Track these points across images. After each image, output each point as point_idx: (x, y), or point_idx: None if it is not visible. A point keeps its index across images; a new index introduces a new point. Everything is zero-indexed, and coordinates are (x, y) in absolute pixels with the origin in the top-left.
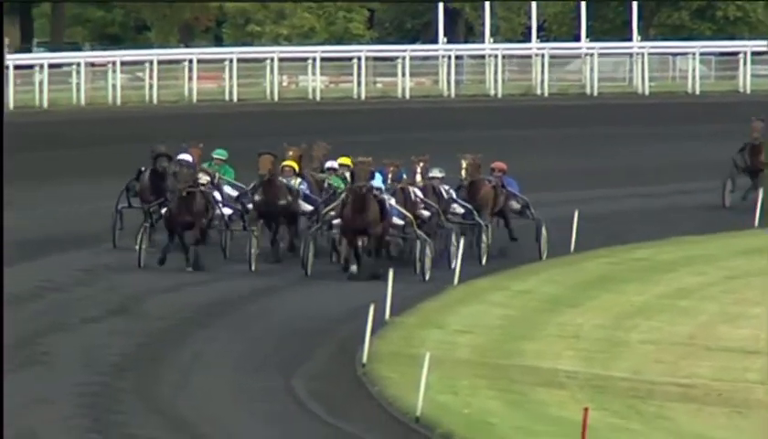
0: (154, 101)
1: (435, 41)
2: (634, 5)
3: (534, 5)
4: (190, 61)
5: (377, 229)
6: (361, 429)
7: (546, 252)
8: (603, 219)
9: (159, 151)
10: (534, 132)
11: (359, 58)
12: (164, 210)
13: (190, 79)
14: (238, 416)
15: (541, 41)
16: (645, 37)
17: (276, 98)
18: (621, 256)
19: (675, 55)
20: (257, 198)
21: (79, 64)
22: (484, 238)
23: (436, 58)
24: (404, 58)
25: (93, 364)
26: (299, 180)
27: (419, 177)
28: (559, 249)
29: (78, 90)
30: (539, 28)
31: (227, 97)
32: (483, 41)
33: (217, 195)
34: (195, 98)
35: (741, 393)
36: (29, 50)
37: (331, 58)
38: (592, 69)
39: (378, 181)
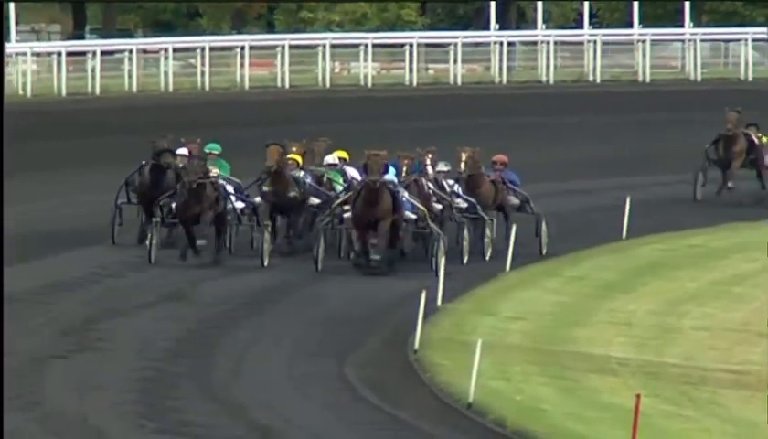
0: (206, 87)
1: (487, 28)
2: None
3: None
4: (242, 48)
5: (387, 221)
6: (413, 415)
7: (546, 248)
8: (656, 206)
9: (161, 147)
10: (586, 118)
11: (411, 45)
12: (174, 204)
13: (242, 65)
14: (291, 402)
15: (593, 28)
16: (697, 23)
17: (328, 85)
18: (673, 242)
19: (727, 41)
20: (265, 189)
21: (131, 51)
22: (488, 232)
23: (488, 44)
24: (456, 44)
25: (147, 350)
26: (303, 173)
27: (430, 170)
28: (611, 235)
29: (130, 76)
30: (592, 15)
31: (279, 84)
32: (535, 28)
33: (229, 188)
34: (247, 85)
35: None
36: (82, 37)
37: (383, 45)
38: (644, 56)
39: (391, 174)
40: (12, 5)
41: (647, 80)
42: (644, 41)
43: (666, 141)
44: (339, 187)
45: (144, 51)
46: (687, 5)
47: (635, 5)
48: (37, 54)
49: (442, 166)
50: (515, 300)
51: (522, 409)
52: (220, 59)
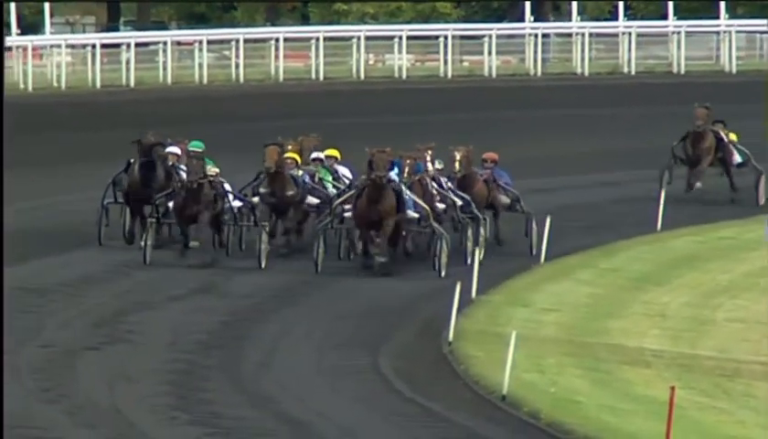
0: (241, 79)
1: (522, 19)
2: None
3: None
4: (276, 40)
5: (390, 220)
6: (447, 407)
7: (536, 248)
8: (690, 198)
9: (151, 141)
10: (621, 110)
11: (446, 37)
12: (172, 204)
13: (277, 57)
14: (323, 394)
15: (628, 19)
16: (732, 15)
17: (362, 76)
18: (707, 235)
19: (762, 33)
20: (262, 190)
21: (165, 43)
22: (482, 231)
23: (523, 36)
24: (491, 36)
25: (178, 342)
26: (301, 172)
27: (430, 167)
28: (645, 227)
29: (164, 68)
30: (626, 7)
31: (313, 76)
32: (569, 19)
33: (227, 186)
34: (281, 77)
35: None
36: (116, 29)
37: (417, 37)
38: (679, 48)
39: (393, 173)
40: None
41: (682, 71)
42: (678, 33)
43: None
44: (329, 185)
45: (179, 43)
46: None
47: None
48: (72, 46)
49: (436, 164)
50: (549, 292)
51: (556, 401)
52: (255, 51)
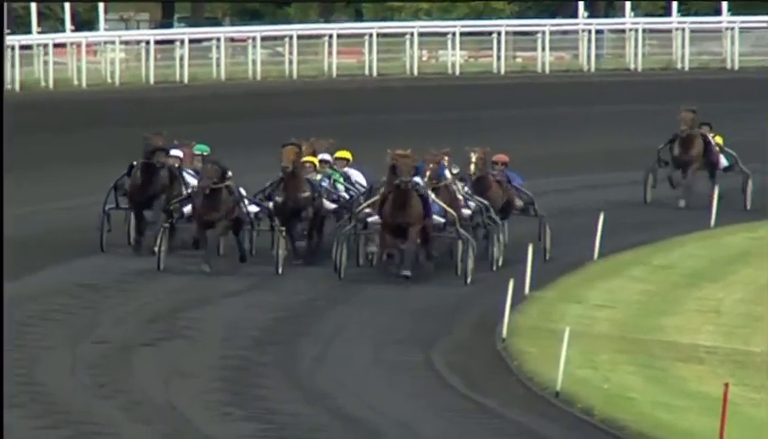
0: (294, 76)
1: (575, 15)
2: None
3: None
4: (330, 36)
5: (418, 227)
6: (500, 403)
7: (550, 253)
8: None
9: (155, 145)
10: (674, 106)
11: (499, 33)
12: (186, 209)
13: (330, 54)
14: (378, 390)
15: (682, 15)
16: None
17: (416, 73)
18: (762, 231)
19: None
20: (277, 198)
21: (219, 39)
22: (500, 237)
23: (576, 32)
24: (544, 32)
25: (233, 338)
26: (320, 176)
27: (448, 173)
28: (699, 223)
29: (218, 65)
30: (680, 2)
31: (366, 72)
32: (623, 15)
33: (243, 191)
34: (334, 73)
35: None
36: (170, 25)
37: (471, 33)
38: (732, 43)
39: (417, 178)
40: None
41: (736, 67)
42: (732, 29)
43: (754, 129)
44: (341, 187)
45: (232, 39)
46: None
47: None
48: (126, 42)
49: (453, 170)
50: (602, 288)
51: (610, 397)
52: (308, 48)
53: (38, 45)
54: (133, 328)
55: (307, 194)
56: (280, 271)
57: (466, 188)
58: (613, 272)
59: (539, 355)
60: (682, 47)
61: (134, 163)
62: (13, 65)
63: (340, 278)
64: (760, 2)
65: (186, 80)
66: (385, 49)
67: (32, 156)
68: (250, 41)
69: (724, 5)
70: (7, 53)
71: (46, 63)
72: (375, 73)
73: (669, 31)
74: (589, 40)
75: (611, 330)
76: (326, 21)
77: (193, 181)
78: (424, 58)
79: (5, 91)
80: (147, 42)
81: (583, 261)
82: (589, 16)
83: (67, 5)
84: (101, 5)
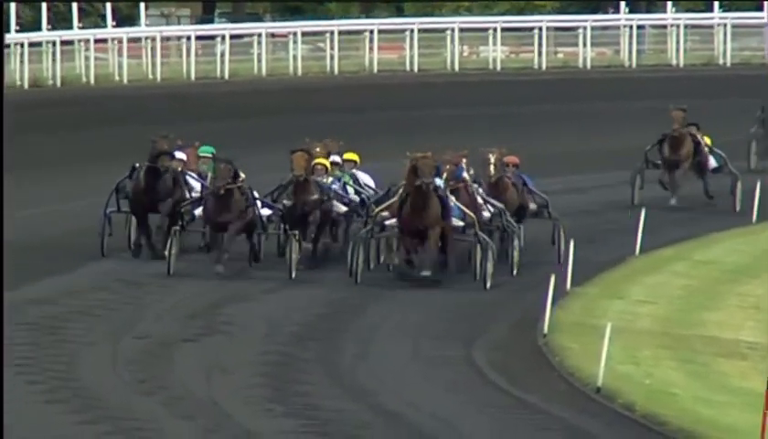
0: (335, 71)
1: (617, 11)
2: None
3: None
4: (371, 32)
5: (437, 230)
6: (542, 399)
7: (563, 257)
8: None
9: (161, 148)
10: (716, 102)
11: (540, 29)
12: (197, 211)
13: (371, 49)
14: (418, 385)
15: (723, 11)
16: None
17: (457, 68)
18: None
19: None
20: (286, 202)
21: (260, 35)
22: (516, 242)
23: (617, 27)
24: (585, 28)
25: (273, 334)
26: (331, 179)
27: (466, 175)
28: (741, 219)
29: (259, 60)
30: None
31: (407, 67)
32: (665, 11)
33: (255, 193)
34: (375, 68)
35: None
36: (211, 21)
37: (512, 29)
38: None
39: (438, 180)
40: None
41: None
42: None
43: None
44: (351, 190)
45: (273, 35)
46: None
47: None
48: (167, 38)
49: (471, 172)
50: (643, 284)
51: (651, 393)
52: (349, 43)
53: (79, 40)
54: (174, 324)
55: (316, 196)
56: (293, 275)
57: (480, 191)
58: (654, 267)
59: (581, 351)
60: (724, 42)
61: (137, 165)
62: (54, 60)
63: (356, 283)
64: None
65: (226, 75)
66: (426, 45)
67: (72, 152)
68: (291, 37)
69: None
70: (48, 48)
71: (87, 59)
72: (416, 69)
73: (711, 27)
74: (630, 36)
75: (652, 326)
76: (367, 16)
77: (196, 184)
78: (465, 54)
79: (47, 87)
80: (188, 38)
81: (625, 256)
82: (630, 12)
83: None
84: (142, 2)
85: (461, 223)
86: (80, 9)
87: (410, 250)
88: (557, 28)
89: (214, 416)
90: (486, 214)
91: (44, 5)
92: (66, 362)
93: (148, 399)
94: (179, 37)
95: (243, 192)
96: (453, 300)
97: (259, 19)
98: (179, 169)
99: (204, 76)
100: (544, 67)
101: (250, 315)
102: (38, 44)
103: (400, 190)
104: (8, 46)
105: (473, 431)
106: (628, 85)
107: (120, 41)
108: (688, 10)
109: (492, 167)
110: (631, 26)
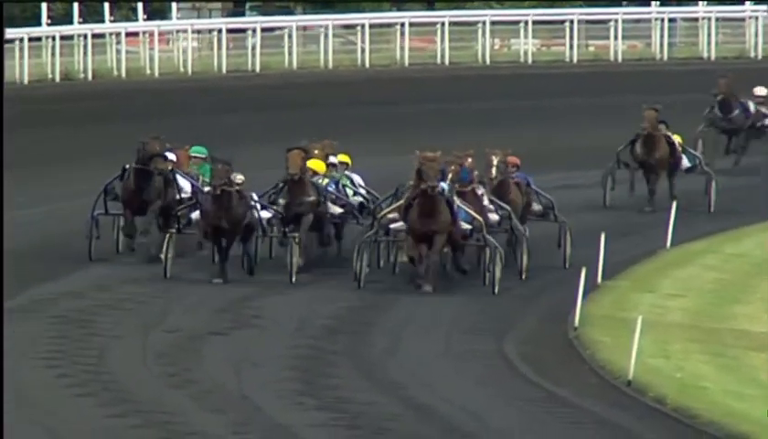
0: (366, 65)
1: (648, 4)
2: None
3: None
4: (402, 25)
5: (444, 235)
6: (572, 392)
7: (569, 261)
8: None
9: (153, 151)
10: (748, 95)
11: (572, 21)
12: (194, 214)
13: (402, 42)
14: (448, 379)
15: (755, 3)
16: None
17: (488, 61)
18: None
19: None
20: (281, 200)
21: (291, 28)
22: (524, 248)
23: (649, 20)
24: (617, 20)
25: (303, 328)
26: (326, 180)
27: (474, 175)
28: None
29: (290, 53)
30: None
31: (438, 60)
32: (696, 3)
33: (254, 195)
34: (406, 62)
35: None
36: (242, 14)
37: (543, 22)
38: None
39: (444, 183)
40: None
41: None
42: None
43: None
44: (350, 192)
45: (304, 28)
46: None
47: None
48: (198, 31)
49: (475, 173)
50: (674, 277)
51: (682, 386)
52: (380, 36)
53: (111, 33)
54: (203, 318)
55: (312, 198)
56: (293, 279)
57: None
58: (685, 260)
59: (612, 344)
60: (755, 35)
61: (127, 166)
62: (85, 54)
63: (359, 287)
64: None
65: (258, 68)
66: (457, 38)
67: (103, 144)
68: (322, 30)
69: None
70: (80, 41)
71: (118, 52)
72: (447, 62)
73: (743, 20)
74: (662, 29)
75: (683, 319)
76: (398, 9)
77: (186, 184)
78: (496, 47)
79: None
80: (219, 31)
81: (656, 249)
82: (661, 5)
83: None
84: None
85: (468, 227)
86: (111, 2)
87: (416, 251)
88: (588, 21)
89: (244, 410)
90: (494, 217)
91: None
92: (96, 356)
93: (178, 392)
94: (210, 30)
95: (242, 195)
96: (484, 294)
97: (290, 12)
98: (171, 169)
99: (235, 69)
100: (575, 60)
101: (280, 309)
102: (70, 37)
103: (407, 193)
104: (39, 39)
105: (503, 424)
106: (659, 78)
107: (151, 34)
108: (719, 3)
109: (494, 169)
110: (662, 19)
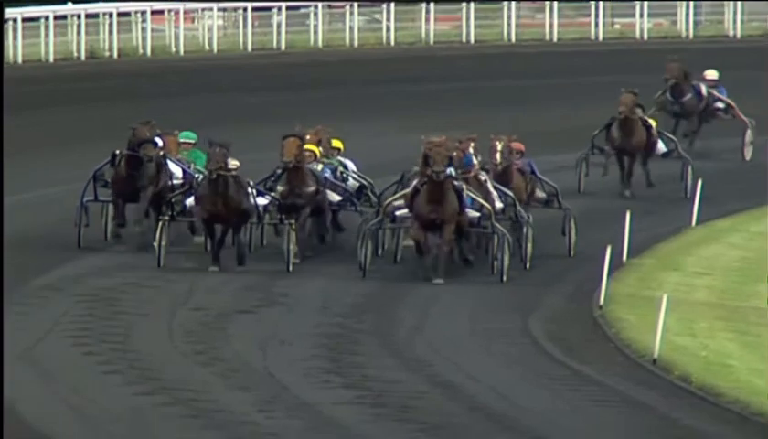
0: (392, 42)
1: None
2: None
3: None
4: (427, 2)
5: (453, 224)
6: (598, 371)
7: (574, 249)
8: None
9: (143, 136)
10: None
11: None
12: (189, 201)
13: (427, 20)
14: (474, 357)
15: None
16: None
17: (513, 39)
18: None
19: None
20: (280, 188)
21: (316, 6)
22: (529, 235)
23: None
24: None
25: (331, 306)
26: (321, 166)
27: (475, 160)
28: None
29: (315, 32)
30: None
31: (464, 38)
32: None
33: (250, 182)
34: (432, 40)
35: None
36: None
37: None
38: None
39: (451, 169)
40: None
41: None
42: None
43: None
44: (348, 178)
45: (330, 6)
46: None
47: None
48: (224, 9)
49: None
50: (700, 255)
51: (708, 365)
52: (405, 14)
53: (136, 12)
54: (230, 296)
55: (312, 188)
56: (290, 268)
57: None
58: (710, 239)
59: (637, 322)
60: None
61: (117, 152)
62: (111, 32)
63: (364, 276)
64: None
65: (283, 47)
66: (482, 16)
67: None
68: (347, 8)
69: None
70: (105, 20)
71: (143, 30)
72: (472, 40)
73: None
74: (687, 7)
75: (709, 297)
76: None
77: (177, 170)
78: (521, 25)
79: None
80: (245, 9)
81: (681, 228)
82: None
83: None
84: None
85: (477, 214)
86: None
87: (421, 242)
88: None
89: (271, 388)
90: (498, 204)
91: None
92: (122, 333)
93: (204, 370)
94: (236, 9)
95: (237, 180)
96: (511, 269)
97: None
98: (163, 155)
99: (260, 47)
100: (601, 38)
101: (306, 287)
102: (95, 15)
103: (416, 179)
104: (65, 17)
105: (529, 402)
106: (686, 56)
107: (177, 13)
108: None
109: (498, 155)
110: None
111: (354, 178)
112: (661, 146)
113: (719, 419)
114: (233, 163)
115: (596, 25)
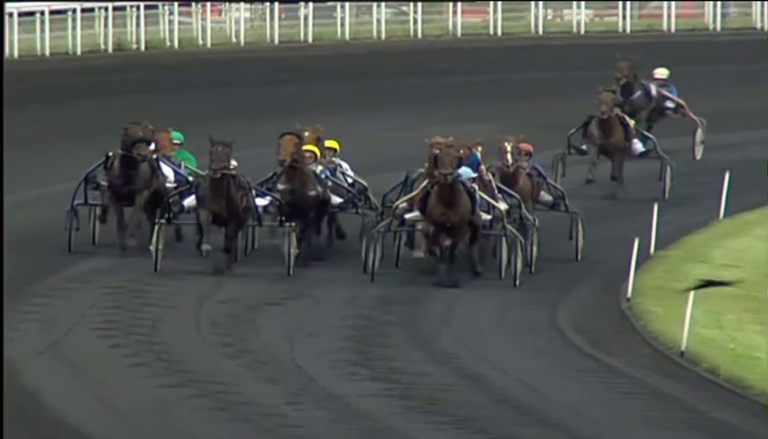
0: (419, 35)
1: None
2: None
3: None
4: None
5: (465, 227)
6: (625, 363)
7: (581, 253)
8: None
9: (136, 136)
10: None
11: None
12: (186, 201)
13: (455, 13)
14: (502, 349)
15: None
16: None
17: (540, 32)
18: None
19: None
20: (281, 186)
21: None
22: (534, 238)
23: None
24: None
25: (358, 299)
26: (321, 167)
27: (482, 167)
28: None
29: (342, 24)
30: None
31: (491, 31)
32: None
33: (249, 181)
34: (459, 32)
35: None
36: None
37: None
38: None
39: (461, 170)
40: None
41: None
42: None
43: None
44: (349, 179)
45: None
46: None
47: None
48: (251, 2)
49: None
50: (727, 248)
51: (735, 357)
52: (432, 7)
53: (163, 4)
54: (258, 288)
55: (314, 192)
56: (291, 272)
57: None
58: (738, 231)
59: (665, 315)
60: None
61: (110, 154)
62: (138, 24)
63: (372, 280)
64: None
65: (310, 39)
66: (510, 8)
67: (157, 116)
68: (374, 0)
69: None
70: (132, 12)
71: (171, 23)
72: (499, 32)
73: None
74: None
75: (737, 290)
76: None
77: (169, 172)
78: (549, 18)
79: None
80: (272, 1)
81: (709, 220)
82: None
83: None
84: None
85: (488, 217)
86: None
87: (433, 246)
88: None
89: (298, 380)
90: (503, 206)
91: None
92: (150, 326)
93: (232, 362)
94: (263, 1)
95: (237, 180)
96: (539, 261)
97: None
98: (156, 157)
99: (287, 40)
100: (628, 30)
101: (334, 280)
102: (122, 8)
103: (424, 181)
104: (92, 10)
105: (556, 394)
106: (712, 49)
107: (204, 5)
108: None
109: (509, 156)
110: None
111: (349, 181)
112: (639, 146)
113: (746, 411)
114: (233, 163)
115: (624, 17)
